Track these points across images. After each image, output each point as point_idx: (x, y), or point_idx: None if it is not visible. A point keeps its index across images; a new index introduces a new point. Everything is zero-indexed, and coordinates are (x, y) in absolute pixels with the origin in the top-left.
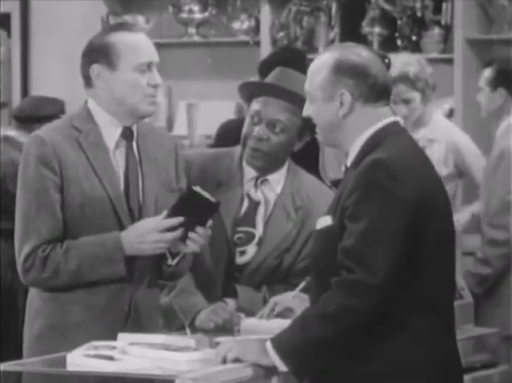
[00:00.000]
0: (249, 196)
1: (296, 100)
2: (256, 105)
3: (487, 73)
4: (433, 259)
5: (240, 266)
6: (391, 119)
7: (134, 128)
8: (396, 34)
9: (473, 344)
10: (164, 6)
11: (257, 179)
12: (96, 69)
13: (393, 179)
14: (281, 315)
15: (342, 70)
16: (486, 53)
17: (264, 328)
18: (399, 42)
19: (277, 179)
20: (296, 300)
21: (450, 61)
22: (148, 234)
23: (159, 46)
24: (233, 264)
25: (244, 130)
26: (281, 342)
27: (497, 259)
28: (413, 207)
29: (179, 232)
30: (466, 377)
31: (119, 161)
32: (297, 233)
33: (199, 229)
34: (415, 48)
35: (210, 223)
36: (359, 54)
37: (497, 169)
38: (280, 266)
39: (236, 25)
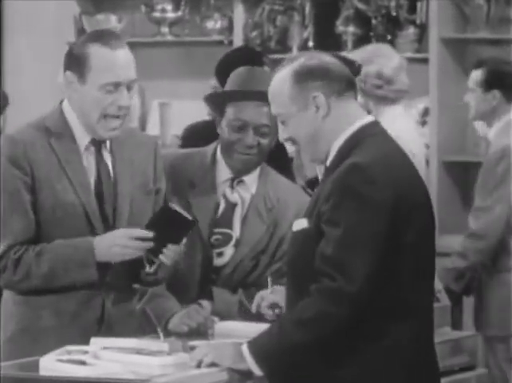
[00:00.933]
0: (225, 197)
1: None
2: (236, 112)
3: (478, 74)
4: (412, 262)
5: (217, 268)
6: (369, 119)
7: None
8: (371, 34)
9: (450, 347)
10: (137, 5)
11: (232, 180)
12: (68, 76)
13: (370, 183)
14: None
15: (304, 76)
16: (461, 53)
17: (238, 331)
18: (373, 42)
19: (252, 180)
20: (280, 294)
21: (425, 61)
22: (119, 238)
23: (132, 45)
24: (210, 266)
25: (226, 137)
26: (257, 346)
27: (474, 253)
28: (391, 211)
29: (149, 244)
30: (444, 381)
31: (90, 165)
32: (271, 235)
33: (172, 246)
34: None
35: (184, 240)
36: (312, 57)
37: (496, 167)
38: (256, 268)
39: (209, 24)
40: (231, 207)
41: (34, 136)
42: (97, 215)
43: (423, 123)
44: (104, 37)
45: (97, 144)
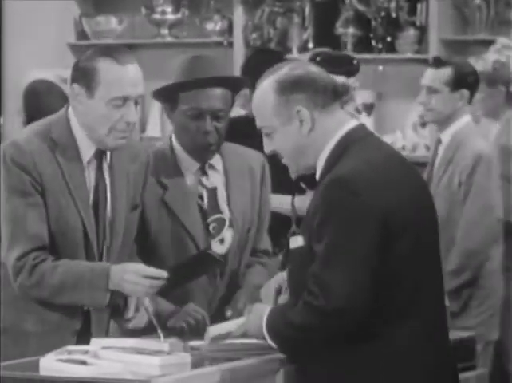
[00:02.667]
0: (204, 186)
1: (228, 82)
2: (190, 101)
3: (446, 72)
4: (408, 268)
5: (223, 256)
6: (355, 123)
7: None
8: (371, 35)
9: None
10: (137, 7)
11: (202, 167)
12: (75, 88)
13: (353, 195)
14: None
15: (288, 88)
16: (461, 54)
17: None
18: (373, 43)
19: (216, 160)
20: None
21: (425, 62)
22: (129, 273)
23: (132, 47)
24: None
25: (183, 127)
26: (269, 323)
27: (471, 270)
28: (379, 221)
29: (159, 282)
30: None
31: (90, 180)
32: (253, 203)
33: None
34: (390, 49)
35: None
36: (297, 67)
37: (473, 174)
38: (249, 240)
39: (209, 26)
40: (213, 192)
41: (41, 149)
42: (94, 231)
43: (423, 124)
44: (113, 51)
45: (99, 157)
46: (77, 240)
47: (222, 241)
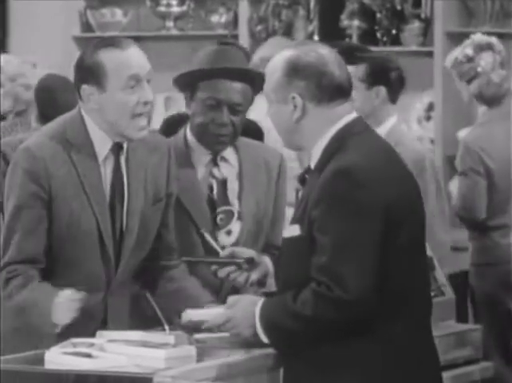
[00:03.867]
0: (214, 177)
1: (248, 77)
2: (209, 91)
3: (361, 68)
4: (404, 260)
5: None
6: (353, 116)
7: (124, 144)
8: (376, 27)
9: (454, 340)
10: (142, 0)
11: (214, 159)
12: (86, 89)
13: (358, 187)
14: None
15: (294, 71)
16: None
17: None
18: (378, 36)
19: (229, 152)
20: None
21: (429, 54)
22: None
23: (137, 39)
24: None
25: (199, 117)
26: (265, 317)
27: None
28: (382, 212)
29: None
30: (448, 374)
31: (107, 177)
32: (266, 197)
33: None
34: (395, 41)
35: None
36: (314, 52)
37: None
38: (261, 233)
39: (214, 18)
40: (223, 184)
41: (55, 150)
42: (109, 233)
43: (428, 117)
44: (111, 41)
45: (116, 152)
46: (91, 243)
47: (229, 233)
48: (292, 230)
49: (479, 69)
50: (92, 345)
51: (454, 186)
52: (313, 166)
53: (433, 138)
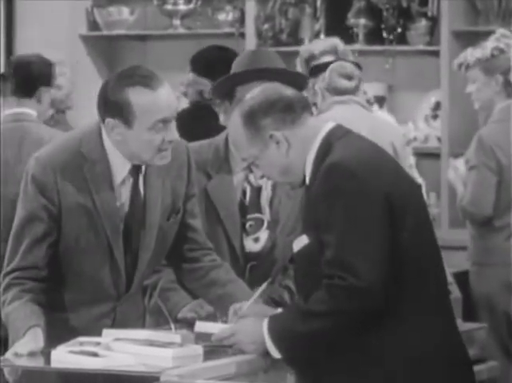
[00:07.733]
0: (250, 183)
1: (294, 78)
2: (247, 94)
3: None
4: (416, 244)
5: (255, 254)
6: (331, 124)
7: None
8: (382, 26)
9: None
10: None
11: (250, 165)
12: (111, 123)
13: (352, 177)
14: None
15: (253, 119)
16: (472, 46)
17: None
18: (384, 34)
19: None
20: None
21: (436, 53)
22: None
23: (144, 38)
24: (242, 253)
25: None
26: (275, 330)
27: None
28: (381, 198)
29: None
30: None
31: (123, 196)
32: (298, 209)
33: None
34: (401, 40)
35: None
36: (255, 96)
37: None
38: (287, 245)
39: (221, 16)
40: (257, 191)
41: (67, 164)
42: (121, 249)
43: (435, 116)
44: (139, 79)
45: (135, 173)
46: (101, 258)
47: (256, 240)
48: (300, 242)
49: None
50: (98, 344)
51: (453, 174)
52: (308, 182)
53: (440, 136)
